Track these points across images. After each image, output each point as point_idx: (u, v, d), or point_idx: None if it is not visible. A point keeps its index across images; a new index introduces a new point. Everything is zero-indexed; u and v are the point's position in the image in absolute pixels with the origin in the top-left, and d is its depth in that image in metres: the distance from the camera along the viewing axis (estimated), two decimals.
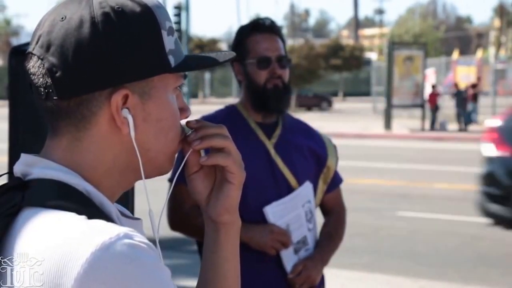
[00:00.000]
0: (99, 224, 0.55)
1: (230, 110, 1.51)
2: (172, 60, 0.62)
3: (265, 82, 1.45)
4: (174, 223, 1.47)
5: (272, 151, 1.47)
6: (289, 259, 1.45)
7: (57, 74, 0.59)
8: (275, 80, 1.46)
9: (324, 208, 1.57)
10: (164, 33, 0.61)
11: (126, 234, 0.54)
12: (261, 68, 1.45)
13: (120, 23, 0.60)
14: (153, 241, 0.59)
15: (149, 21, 0.61)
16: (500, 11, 28.94)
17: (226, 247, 0.67)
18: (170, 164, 0.65)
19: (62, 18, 0.60)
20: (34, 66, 0.60)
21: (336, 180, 1.58)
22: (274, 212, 1.43)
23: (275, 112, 1.48)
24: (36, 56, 0.60)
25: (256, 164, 1.44)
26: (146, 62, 0.60)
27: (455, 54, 21.03)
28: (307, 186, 1.48)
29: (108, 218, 0.58)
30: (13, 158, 1.33)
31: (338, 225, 1.57)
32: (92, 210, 0.57)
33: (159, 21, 0.61)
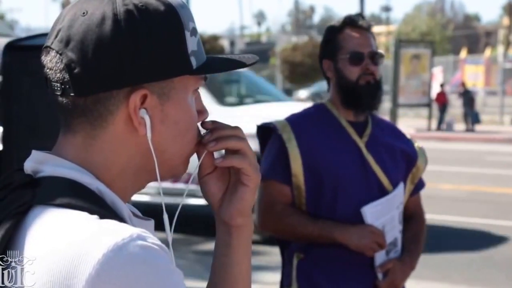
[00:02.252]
0: (111, 224, 0.54)
1: (319, 108, 1.49)
2: (194, 61, 0.61)
3: (358, 78, 1.42)
4: (264, 222, 1.45)
5: (364, 150, 1.45)
6: (380, 260, 1.43)
7: (76, 70, 0.58)
8: (368, 77, 1.42)
9: (406, 211, 1.53)
10: (187, 34, 0.60)
11: (139, 235, 0.53)
12: (353, 64, 1.42)
13: (143, 21, 0.58)
14: (165, 243, 0.58)
15: (172, 21, 0.60)
16: (509, 9, 28.70)
17: (238, 250, 0.66)
18: (184, 166, 0.64)
19: (84, 13, 0.59)
20: (52, 60, 0.59)
21: (420, 183, 1.55)
22: (372, 212, 1.41)
23: (367, 110, 1.45)
24: (54, 51, 0.59)
25: (348, 163, 1.42)
26: (168, 62, 0.59)
27: (463, 53, 20.91)
28: (401, 187, 1.46)
29: (120, 218, 0.57)
30: (6, 154, 1.32)
31: (422, 230, 1.54)
32: (104, 210, 0.56)
33: (183, 21, 0.60)
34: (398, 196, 1.45)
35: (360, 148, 1.45)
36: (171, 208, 0.64)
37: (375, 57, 1.44)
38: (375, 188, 1.43)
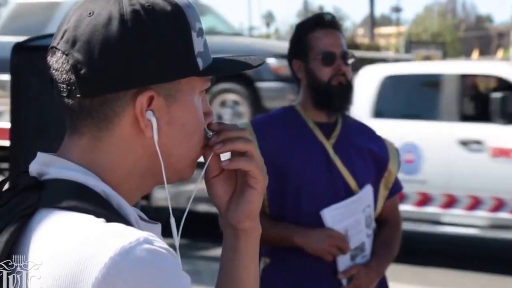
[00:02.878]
0: (118, 228, 0.54)
1: (288, 110, 1.47)
2: (200, 62, 0.60)
3: (330, 79, 1.40)
4: None
5: (331, 152, 1.42)
6: (345, 266, 1.40)
7: (82, 71, 0.57)
8: (340, 77, 1.39)
9: (380, 215, 1.50)
10: (194, 34, 0.60)
11: (146, 239, 0.53)
12: (326, 64, 1.39)
13: (150, 21, 0.58)
14: (172, 247, 0.58)
15: (179, 21, 0.59)
16: None
17: (245, 254, 0.66)
18: (191, 169, 0.63)
19: (90, 13, 0.58)
20: (58, 61, 0.58)
21: (396, 187, 1.51)
22: (333, 215, 1.38)
23: (339, 111, 1.42)
24: (60, 51, 0.58)
25: (313, 165, 1.40)
26: (174, 63, 0.58)
27: (475, 54, 20.67)
28: (368, 189, 1.42)
29: (126, 221, 0.57)
30: (15, 155, 1.33)
31: (395, 235, 1.50)
32: (110, 213, 0.56)
33: (189, 21, 0.60)
34: (364, 198, 1.41)
35: (326, 150, 1.41)
36: None
37: (346, 57, 1.41)
38: (341, 191, 1.39)
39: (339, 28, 1.44)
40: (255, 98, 4.57)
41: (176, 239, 0.63)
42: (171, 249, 0.55)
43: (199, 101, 0.62)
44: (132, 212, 0.59)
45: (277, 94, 4.54)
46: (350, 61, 1.42)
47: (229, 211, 0.66)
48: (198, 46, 0.60)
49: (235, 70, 0.63)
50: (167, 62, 0.58)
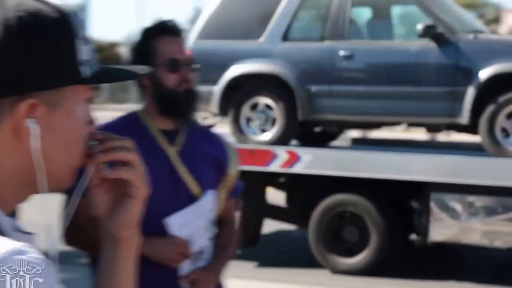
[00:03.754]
0: None
1: (130, 117, 1.45)
2: (85, 70, 0.60)
3: (176, 85, 1.40)
4: (69, 236, 1.39)
5: (174, 159, 1.42)
6: (186, 270, 1.42)
7: None
8: (185, 84, 1.40)
9: (218, 216, 1.53)
10: (79, 42, 0.60)
11: (20, 250, 0.52)
12: (172, 71, 1.38)
13: (34, 28, 0.57)
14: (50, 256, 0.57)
15: (64, 29, 0.59)
16: None
17: (124, 263, 0.66)
18: (71, 178, 0.63)
19: None
20: None
21: (235, 189, 1.55)
22: (177, 223, 1.39)
23: (185, 117, 1.43)
24: None
25: (156, 172, 1.37)
26: (58, 71, 0.58)
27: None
28: (210, 195, 1.45)
29: (0, 231, 0.55)
30: None
31: (232, 237, 1.55)
32: None
33: (75, 29, 0.60)
34: (206, 204, 1.45)
35: (169, 157, 1.41)
36: None
37: (191, 64, 1.43)
38: (185, 198, 1.40)
39: (182, 35, 1.45)
40: None
41: (53, 248, 0.62)
42: (47, 260, 0.54)
43: (82, 109, 0.62)
44: (6, 222, 0.58)
45: None
46: (194, 68, 1.45)
47: (109, 220, 0.66)
48: (83, 54, 0.60)
49: (120, 79, 0.64)
50: (50, 69, 0.58)
